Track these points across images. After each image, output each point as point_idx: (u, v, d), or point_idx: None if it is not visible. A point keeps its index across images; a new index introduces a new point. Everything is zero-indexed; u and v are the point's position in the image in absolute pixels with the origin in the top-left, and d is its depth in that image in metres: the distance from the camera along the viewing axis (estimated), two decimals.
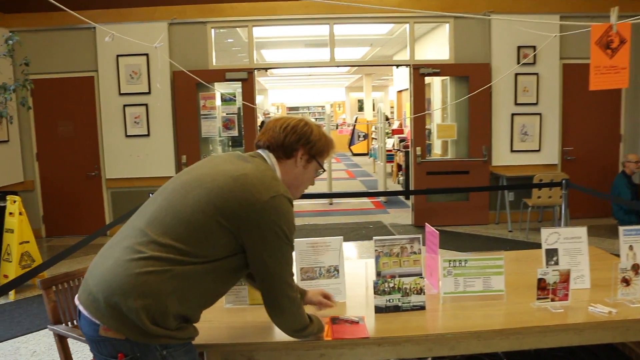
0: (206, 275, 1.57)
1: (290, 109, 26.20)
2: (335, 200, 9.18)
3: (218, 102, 7.00)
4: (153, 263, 1.50)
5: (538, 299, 2.08)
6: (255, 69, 6.95)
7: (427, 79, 8.32)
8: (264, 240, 1.57)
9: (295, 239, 2.28)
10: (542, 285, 2.06)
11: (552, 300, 2.07)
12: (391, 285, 2.13)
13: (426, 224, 2.51)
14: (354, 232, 6.81)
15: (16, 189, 6.30)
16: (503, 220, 6.92)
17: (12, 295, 4.48)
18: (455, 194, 7.05)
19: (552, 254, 2.27)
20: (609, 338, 2.00)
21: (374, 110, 20.12)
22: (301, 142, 1.74)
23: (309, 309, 1.98)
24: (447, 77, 7.66)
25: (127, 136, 6.66)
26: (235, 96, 6.98)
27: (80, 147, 6.72)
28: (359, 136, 18.02)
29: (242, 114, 6.92)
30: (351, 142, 18.57)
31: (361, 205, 8.77)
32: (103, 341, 1.52)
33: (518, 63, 6.66)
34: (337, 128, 21.15)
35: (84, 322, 1.55)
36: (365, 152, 17.05)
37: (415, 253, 2.27)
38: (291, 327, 1.74)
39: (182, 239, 1.52)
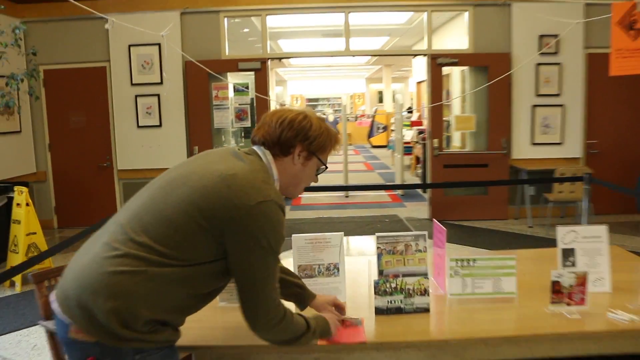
0: (185, 280, 1.46)
1: (310, 100, 26.11)
2: (351, 192, 9.06)
3: (231, 92, 6.91)
4: (128, 262, 1.40)
5: (552, 303, 1.92)
6: (269, 58, 6.82)
7: (447, 70, 8.11)
8: (246, 248, 1.46)
9: (294, 235, 2.19)
10: (556, 288, 1.89)
11: (568, 304, 1.91)
12: (393, 285, 1.99)
13: (434, 219, 2.36)
14: (369, 226, 6.71)
15: (29, 179, 6.31)
16: (523, 216, 6.71)
17: (18, 287, 4.46)
18: (474, 188, 6.87)
19: (568, 254, 2.10)
20: (630, 348, 1.83)
21: (394, 101, 19.88)
22: (299, 137, 1.60)
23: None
24: (466, 68, 7.44)
25: (139, 127, 6.62)
26: (248, 87, 6.87)
27: (93, 138, 6.70)
28: (378, 128, 17.85)
29: (255, 104, 6.83)
30: (370, 134, 18.42)
31: (377, 198, 8.65)
32: (74, 343, 1.43)
33: (539, 52, 6.41)
34: (356, 120, 20.99)
35: (57, 322, 1.46)
36: (385, 144, 16.85)
37: (420, 251, 2.12)
38: (274, 339, 1.61)
39: (161, 240, 1.43)
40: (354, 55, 7.20)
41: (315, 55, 8.64)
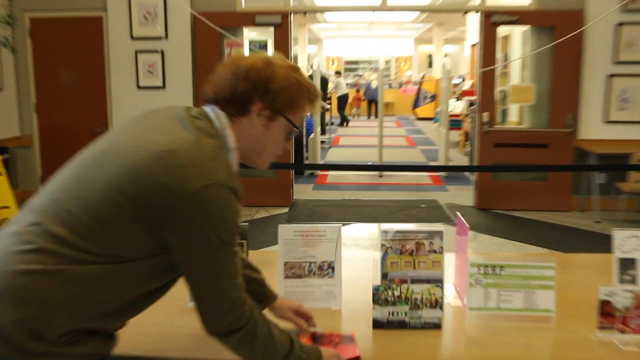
0: (116, 279, 1.33)
1: (349, 62, 25.81)
2: (386, 172, 8.94)
3: (247, 51, 6.79)
4: (42, 259, 1.28)
5: (600, 328, 1.70)
6: (291, 12, 6.65)
7: (506, 31, 7.80)
8: (192, 243, 1.32)
9: (280, 225, 2.05)
10: (606, 309, 1.67)
11: (622, 331, 1.69)
12: (396, 293, 1.84)
13: (457, 213, 2.16)
14: (402, 212, 6.62)
15: (11, 144, 6.36)
16: (589, 208, 6.44)
17: None
18: (530, 172, 6.71)
19: (627, 265, 1.87)
20: None
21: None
22: (258, 91, 1.43)
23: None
24: (528, 28, 7.13)
25: (139, 88, 6.59)
26: (266, 45, 6.75)
27: (86, 99, 6.70)
28: (425, 97, 17.51)
29: None
30: (416, 104, 18.13)
31: (416, 180, 8.53)
32: None
33: (621, 8, 6.01)
34: (400, 87, 20.63)
35: None
36: (432, 116, 16.58)
37: (435, 252, 1.95)
38: (237, 349, 1.46)
39: (83, 233, 1.30)
40: (391, 11, 6.91)
41: (345, 9, 8.38)
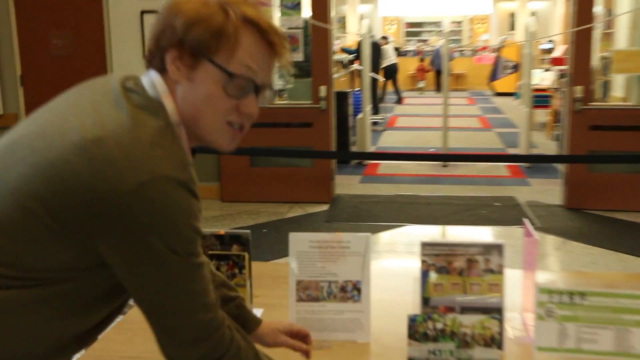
0: (43, 307, 1.28)
1: (410, 25, 25.60)
2: (452, 161, 8.90)
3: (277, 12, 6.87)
4: None
5: None
6: None
7: None
8: (135, 259, 1.24)
9: (292, 233, 2.00)
10: None
11: None
12: (439, 326, 1.74)
13: (525, 220, 2.03)
14: (469, 212, 6.56)
15: None
16: None
17: None
18: (637, 163, 6.51)
19: None
20: None
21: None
22: (165, 34, 1.30)
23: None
24: None
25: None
26: (299, 4, 6.75)
27: (81, 69, 6.69)
28: (505, 67, 17.20)
29: (310, 29, 6.69)
30: (493, 76, 17.87)
31: (490, 171, 8.43)
32: None
33: None
34: (474, 54, 20.37)
35: None
36: (513, 90, 16.35)
37: (492, 271, 1.85)
38: None
39: None
40: None
41: None
